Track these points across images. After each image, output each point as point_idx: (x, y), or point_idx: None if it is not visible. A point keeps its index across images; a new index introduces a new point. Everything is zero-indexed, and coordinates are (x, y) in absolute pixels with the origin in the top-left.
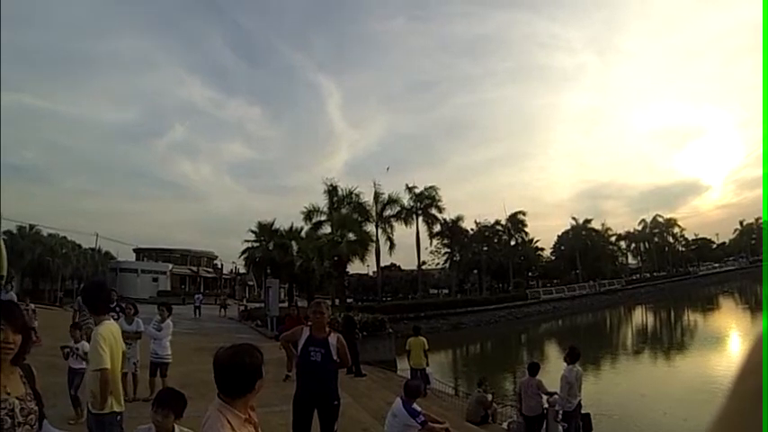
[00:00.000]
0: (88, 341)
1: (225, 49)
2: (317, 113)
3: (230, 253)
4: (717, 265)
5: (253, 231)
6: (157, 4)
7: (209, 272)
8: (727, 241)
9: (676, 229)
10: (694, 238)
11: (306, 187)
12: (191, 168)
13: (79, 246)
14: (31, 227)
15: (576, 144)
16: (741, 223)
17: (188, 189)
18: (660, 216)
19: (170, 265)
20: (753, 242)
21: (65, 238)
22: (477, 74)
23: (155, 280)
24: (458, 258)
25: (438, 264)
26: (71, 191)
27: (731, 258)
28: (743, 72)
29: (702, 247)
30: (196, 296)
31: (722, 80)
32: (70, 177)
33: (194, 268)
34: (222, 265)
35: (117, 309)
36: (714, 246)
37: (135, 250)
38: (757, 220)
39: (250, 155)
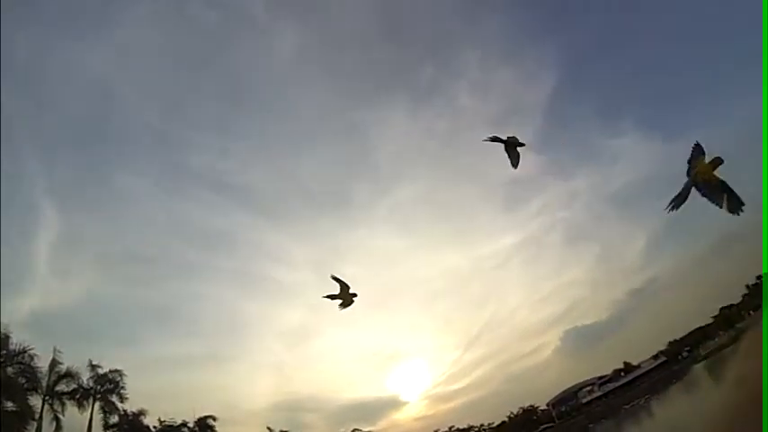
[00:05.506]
0: None
1: None
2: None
3: None
4: None
5: None
6: None
7: None
8: None
9: None
10: None
11: None
12: None
13: None
14: None
15: (279, 356)
16: None
17: None
18: (358, 429)
19: None
20: None
21: None
22: (198, 263)
23: None
24: None
25: None
26: None
27: None
28: (439, 310)
29: None
30: None
31: (422, 315)
32: None
33: None
34: None
35: None
36: None
37: None
38: (450, 428)
39: None
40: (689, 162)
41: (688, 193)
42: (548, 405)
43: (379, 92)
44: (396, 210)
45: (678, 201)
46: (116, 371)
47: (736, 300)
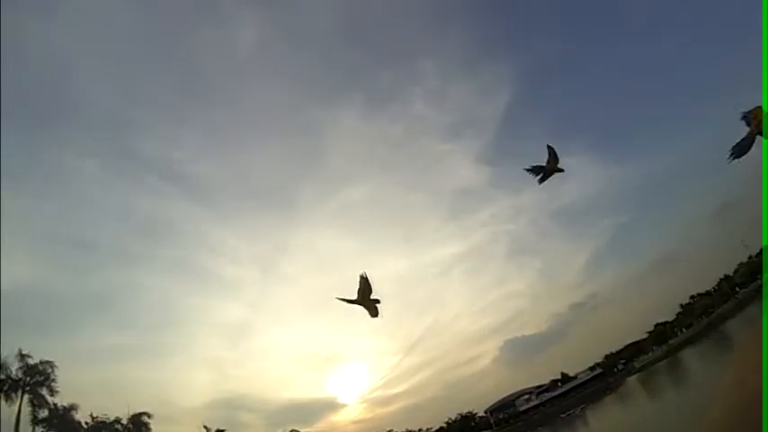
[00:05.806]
0: None
1: None
2: None
3: None
4: None
5: None
6: None
7: None
8: None
9: None
10: None
11: None
12: None
13: None
14: None
15: (218, 352)
16: None
17: None
18: (296, 430)
19: None
20: None
21: None
22: (140, 252)
23: None
24: None
25: None
26: None
27: None
28: (386, 312)
29: None
30: None
31: (363, 319)
32: None
33: None
34: None
35: None
36: None
37: None
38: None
39: None
40: (746, 119)
41: (751, 143)
42: (486, 412)
43: (336, 92)
44: (343, 211)
45: (738, 151)
46: (47, 362)
47: (671, 317)
